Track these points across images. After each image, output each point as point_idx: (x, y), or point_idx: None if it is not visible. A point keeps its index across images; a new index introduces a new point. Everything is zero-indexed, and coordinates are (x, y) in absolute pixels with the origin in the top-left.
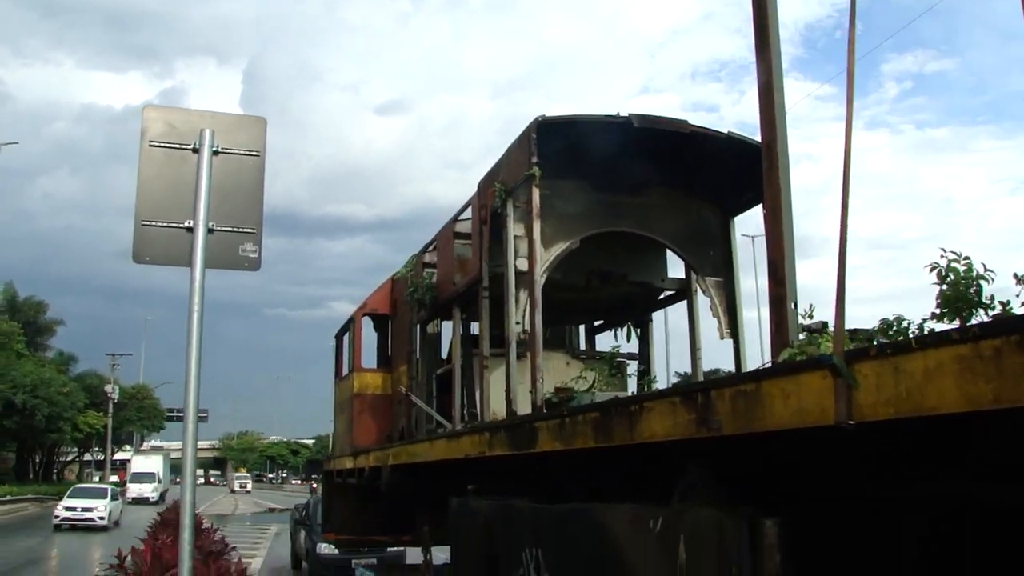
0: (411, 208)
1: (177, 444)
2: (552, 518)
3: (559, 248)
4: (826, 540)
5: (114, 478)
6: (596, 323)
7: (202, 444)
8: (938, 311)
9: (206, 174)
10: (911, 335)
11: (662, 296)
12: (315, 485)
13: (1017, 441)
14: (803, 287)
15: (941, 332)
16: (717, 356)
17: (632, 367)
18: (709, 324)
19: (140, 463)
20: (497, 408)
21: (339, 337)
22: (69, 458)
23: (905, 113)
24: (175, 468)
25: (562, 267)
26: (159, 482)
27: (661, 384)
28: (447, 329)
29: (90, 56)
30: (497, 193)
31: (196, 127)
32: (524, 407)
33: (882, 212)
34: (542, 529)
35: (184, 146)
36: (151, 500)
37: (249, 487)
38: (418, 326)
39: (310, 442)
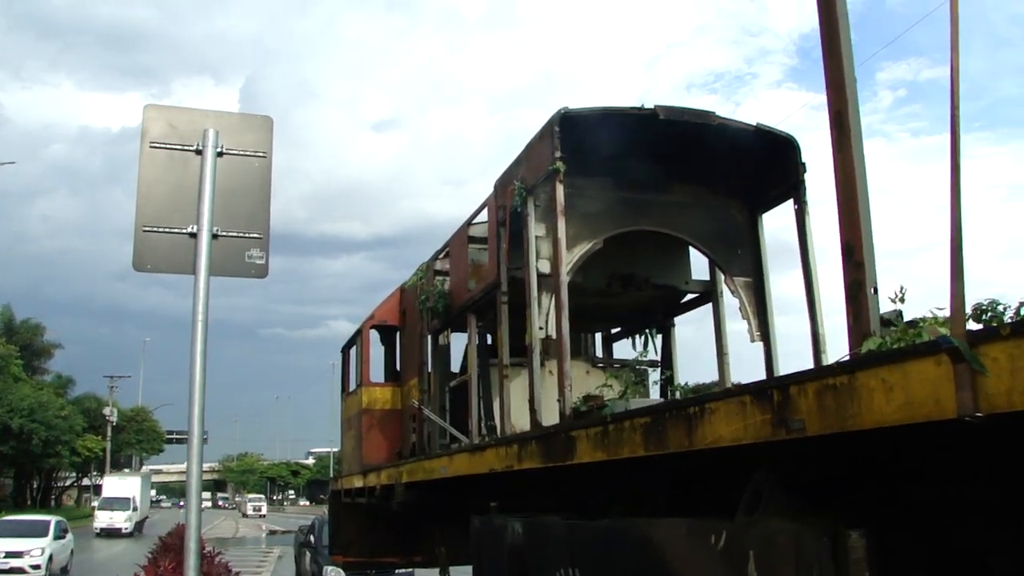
0: (407, 226)
1: (177, 467)
2: (589, 535)
3: (582, 249)
4: (923, 553)
5: None
6: (614, 330)
7: (203, 466)
8: None
9: (210, 177)
10: (1007, 321)
11: (684, 300)
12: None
13: None
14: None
15: None
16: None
17: (652, 375)
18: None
19: (113, 486)
20: (518, 420)
21: (345, 351)
22: (67, 483)
23: (901, 121)
24: (168, 490)
25: (582, 270)
26: (134, 509)
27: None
28: (460, 340)
29: (88, 78)
30: (516, 191)
31: (199, 127)
32: (550, 418)
33: (880, 221)
34: (577, 547)
35: (187, 147)
36: (123, 531)
37: (264, 510)
38: (429, 336)
39: (310, 462)
